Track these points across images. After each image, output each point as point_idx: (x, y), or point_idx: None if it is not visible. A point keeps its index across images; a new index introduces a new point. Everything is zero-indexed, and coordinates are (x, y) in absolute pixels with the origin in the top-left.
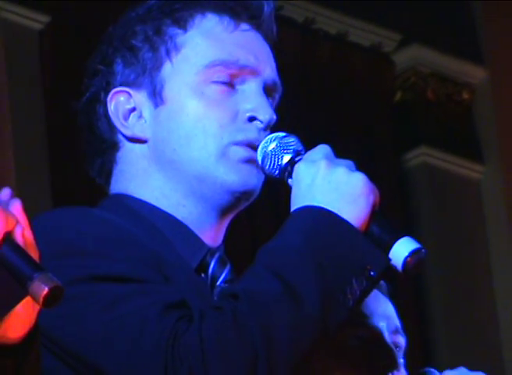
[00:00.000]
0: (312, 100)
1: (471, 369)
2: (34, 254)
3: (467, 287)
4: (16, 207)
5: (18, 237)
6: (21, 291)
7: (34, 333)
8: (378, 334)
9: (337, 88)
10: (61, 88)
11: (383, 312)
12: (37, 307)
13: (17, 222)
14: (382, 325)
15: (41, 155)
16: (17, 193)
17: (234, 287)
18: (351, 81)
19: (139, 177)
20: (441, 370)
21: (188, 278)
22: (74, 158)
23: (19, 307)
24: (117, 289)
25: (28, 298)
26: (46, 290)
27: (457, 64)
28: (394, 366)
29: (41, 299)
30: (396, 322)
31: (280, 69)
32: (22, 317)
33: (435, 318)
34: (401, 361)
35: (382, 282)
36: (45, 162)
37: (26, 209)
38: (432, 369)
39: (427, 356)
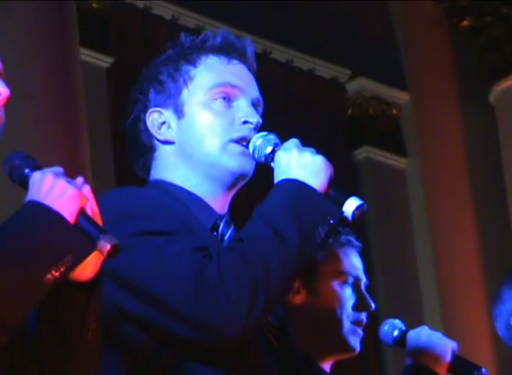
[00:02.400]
0: (291, 113)
1: (399, 307)
2: (100, 221)
3: (396, 247)
4: (87, 189)
5: (88, 211)
6: (91, 247)
7: (99, 276)
8: (358, 281)
9: (308, 106)
10: (123, 112)
11: (358, 266)
12: (102, 258)
13: (88, 200)
14: (359, 273)
15: (107, 153)
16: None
17: (240, 234)
18: (318, 102)
19: (170, 168)
20: (378, 310)
21: (206, 234)
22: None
23: (89, 257)
24: (159, 240)
25: (96, 252)
26: (109, 246)
27: (389, 90)
28: (369, 306)
29: (105, 253)
30: (358, 264)
31: (267, 93)
32: (91, 264)
33: (374, 272)
34: (364, 279)
35: (358, 244)
36: (110, 163)
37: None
38: (397, 320)
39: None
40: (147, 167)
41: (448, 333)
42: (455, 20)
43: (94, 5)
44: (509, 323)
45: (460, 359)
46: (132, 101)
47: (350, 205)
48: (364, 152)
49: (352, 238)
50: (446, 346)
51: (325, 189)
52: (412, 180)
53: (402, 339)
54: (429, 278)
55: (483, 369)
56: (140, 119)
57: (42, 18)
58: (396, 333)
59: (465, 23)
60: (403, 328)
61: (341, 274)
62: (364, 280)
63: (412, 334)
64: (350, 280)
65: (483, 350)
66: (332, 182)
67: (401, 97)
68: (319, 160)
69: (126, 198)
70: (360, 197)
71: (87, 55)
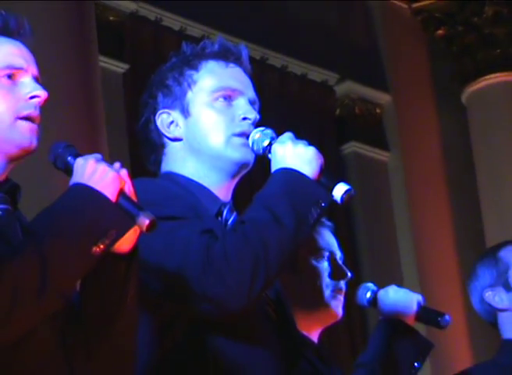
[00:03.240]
0: (286, 112)
1: (382, 277)
2: (136, 200)
3: (379, 230)
4: (124, 172)
5: (127, 191)
6: (131, 222)
7: (136, 249)
8: (333, 254)
9: (301, 106)
10: (138, 112)
11: (332, 242)
12: (139, 232)
13: (125, 181)
14: (333, 248)
15: (123, 149)
16: None
17: (242, 217)
18: (310, 102)
19: (179, 162)
20: (364, 278)
21: (211, 219)
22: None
23: (129, 232)
24: (171, 224)
25: (135, 227)
26: (147, 222)
27: (372, 92)
28: (345, 274)
29: (145, 227)
30: (334, 244)
31: (265, 95)
32: (130, 238)
33: (360, 251)
34: (339, 254)
35: (330, 223)
36: (127, 159)
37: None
38: (369, 284)
39: (355, 269)
40: (158, 162)
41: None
42: (431, 30)
43: (111, 17)
44: (482, 297)
45: (425, 309)
46: (142, 104)
47: (339, 190)
48: (351, 147)
49: (324, 219)
50: (412, 299)
51: (316, 176)
52: (394, 172)
53: (374, 299)
54: (409, 257)
55: (446, 316)
56: (150, 121)
57: (66, 30)
58: (368, 294)
59: (440, 32)
60: (375, 289)
61: (317, 250)
62: (338, 254)
63: (381, 293)
64: (326, 254)
65: (456, 317)
66: (323, 170)
67: (383, 98)
68: (311, 151)
69: (141, 188)
70: (347, 183)
71: (105, 62)
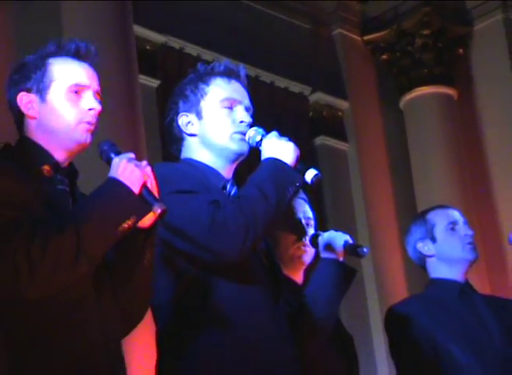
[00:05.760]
0: (273, 116)
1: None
2: (156, 192)
3: (341, 202)
4: (148, 169)
5: (149, 185)
6: (148, 209)
7: (154, 226)
8: (300, 220)
9: (284, 111)
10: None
11: (305, 209)
12: (154, 217)
13: (149, 177)
14: (305, 215)
15: (157, 148)
16: None
17: (238, 193)
18: (291, 108)
19: (194, 151)
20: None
21: (218, 192)
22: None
23: (147, 215)
24: (186, 196)
25: (151, 213)
26: (159, 211)
27: (336, 100)
28: (305, 232)
29: (157, 215)
30: (310, 214)
31: (257, 104)
32: (149, 219)
33: (327, 217)
34: (312, 230)
35: (304, 196)
36: (159, 153)
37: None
38: (320, 232)
39: (323, 228)
40: (179, 151)
41: (374, 250)
42: (377, 55)
43: (147, 47)
44: (415, 247)
45: (350, 244)
46: (167, 109)
47: (310, 174)
48: (320, 140)
49: (301, 193)
50: (341, 238)
51: (294, 164)
52: (351, 158)
53: (315, 240)
54: (362, 219)
55: (364, 248)
56: (173, 121)
57: (116, 55)
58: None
59: (384, 57)
60: (320, 233)
61: (293, 215)
62: (310, 215)
63: (321, 236)
64: (305, 221)
65: (396, 263)
66: (298, 159)
67: (344, 104)
68: (290, 145)
69: (164, 170)
70: (316, 169)
71: (144, 79)
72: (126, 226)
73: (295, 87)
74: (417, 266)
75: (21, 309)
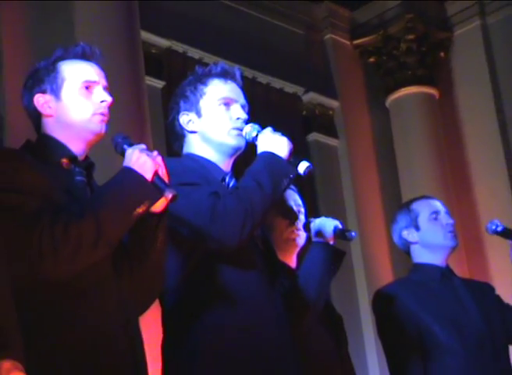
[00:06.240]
0: (269, 114)
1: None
2: (166, 179)
3: (332, 194)
4: (159, 159)
5: (160, 172)
6: (160, 195)
7: (165, 210)
8: (291, 207)
9: (279, 110)
10: None
11: (295, 198)
12: (166, 201)
13: (159, 165)
14: (296, 203)
15: (162, 145)
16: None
17: (237, 184)
18: (285, 107)
19: (194, 146)
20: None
21: (218, 183)
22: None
23: (159, 201)
24: (189, 188)
25: (163, 198)
26: (170, 195)
27: (327, 99)
28: (297, 217)
29: (168, 199)
30: (300, 202)
31: (255, 103)
32: (161, 203)
33: (319, 206)
34: (302, 217)
35: (294, 188)
36: (163, 147)
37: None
38: (312, 218)
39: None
40: (181, 146)
41: (362, 237)
42: (365, 58)
43: (153, 50)
44: (400, 235)
45: (339, 229)
46: (170, 108)
47: (302, 166)
48: (313, 136)
49: (292, 186)
50: (331, 223)
51: (287, 157)
52: (341, 152)
53: (308, 226)
54: (351, 208)
55: (352, 232)
56: (175, 119)
57: (124, 58)
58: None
59: (371, 59)
60: (312, 219)
61: (285, 204)
62: (300, 202)
63: (312, 223)
64: (296, 208)
65: (383, 249)
66: (292, 153)
67: (334, 104)
68: (284, 140)
69: (168, 164)
70: (308, 161)
71: (149, 80)
72: (140, 210)
73: (289, 87)
74: (402, 251)
75: (47, 290)
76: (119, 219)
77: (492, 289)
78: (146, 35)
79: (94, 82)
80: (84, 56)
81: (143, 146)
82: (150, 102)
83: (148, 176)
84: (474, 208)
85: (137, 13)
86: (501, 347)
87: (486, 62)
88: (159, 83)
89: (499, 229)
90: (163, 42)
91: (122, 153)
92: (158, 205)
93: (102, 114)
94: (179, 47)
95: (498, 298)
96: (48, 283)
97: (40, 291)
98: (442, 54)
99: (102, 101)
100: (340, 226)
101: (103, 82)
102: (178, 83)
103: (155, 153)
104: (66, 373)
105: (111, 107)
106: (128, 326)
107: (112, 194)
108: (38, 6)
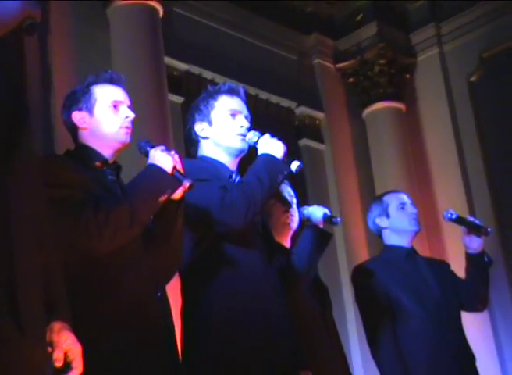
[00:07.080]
0: (267, 125)
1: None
2: (183, 172)
3: (319, 191)
4: (177, 156)
5: (178, 167)
6: (179, 184)
7: (183, 198)
8: (286, 198)
9: (276, 121)
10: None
11: (288, 190)
12: (184, 190)
13: (177, 161)
14: (289, 194)
15: (182, 151)
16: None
17: (242, 180)
18: (281, 118)
19: (207, 150)
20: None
21: (226, 180)
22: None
23: (178, 190)
24: (203, 183)
25: (182, 187)
26: (188, 184)
27: (314, 111)
28: (291, 205)
29: (187, 188)
30: (292, 193)
31: (257, 115)
32: (180, 192)
33: (309, 200)
34: (295, 206)
35: (288, 182)
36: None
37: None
38: (305, 206)
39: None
40: (196, 151)
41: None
42: (346, 78)
43: (174, 73)
44: (374, 221)
45: (328, 215)
46: (187, 120)
47: (294, 165)
48: (303, 142)
49: (286, 181)
50: (321, 210)
51: (282, 158)
52: (327, 156)
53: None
54: (335, 201)
55: (337, 218)
56: (191, 128)
57: (150, 79)
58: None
59: (351, 80)
60: (305, 207)
61: (279, 195)
62: (291, 193)
63: (305, 210)
64: (290, 198)
65: (360, 233)
66: (286, 154)
67: (321, 115)
68: (279, 143)
69: (187, 165)
70: (300, 161)
71: (171, 97)
72: (163, 198)
73: (284, 102)
74: (376, 235)
75: (91, 264)
76: (148, 205)
77: (447, 265)
78: (169, 60)
79: (120, 101)
80: (112, 81)
81: (162, 147)
82: (171, 115)
83: (169, 169)
84: (434, 200)
85: (162, 43)
86: (454, 311)
87: (443, 82)
88: (179, 99)
89: (454, 217)
90: (182, 66)
91: (146, 154)
92: (178, 194)
93: (127, 127)
94: (196, 70)
95: (452, 273)
96: (93, 258)
97: (86, 265)
98: (407, 75)
99: (127, 117)
100: (328, 213)
101: (127, 101)
102: (194, 99)
103: (173, 152)
104: (109, 333)
105: (139, 119)
106: (158, 296)
107: (142, 185)
108: (81, 37)
